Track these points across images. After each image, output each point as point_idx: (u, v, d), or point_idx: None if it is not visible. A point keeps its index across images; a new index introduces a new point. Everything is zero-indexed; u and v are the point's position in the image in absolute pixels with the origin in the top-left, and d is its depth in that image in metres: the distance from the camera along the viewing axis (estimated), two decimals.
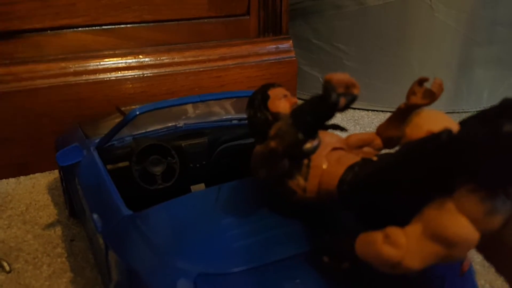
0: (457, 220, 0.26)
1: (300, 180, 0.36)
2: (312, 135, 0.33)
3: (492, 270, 0.56)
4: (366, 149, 0.43)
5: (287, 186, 0.37)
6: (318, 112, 0.30)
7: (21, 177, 0.81)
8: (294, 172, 0.36)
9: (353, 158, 0.36)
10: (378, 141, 0.43)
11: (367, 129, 0.99)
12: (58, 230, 0.65)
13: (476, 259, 0.58)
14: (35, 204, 0.72)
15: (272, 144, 0.33)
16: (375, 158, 0.35)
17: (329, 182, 0.35)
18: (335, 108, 0.30)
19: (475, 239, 0.26)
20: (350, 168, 0.34)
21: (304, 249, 0.36)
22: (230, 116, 0.67)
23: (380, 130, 0.43)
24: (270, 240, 0.37)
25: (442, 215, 0.27)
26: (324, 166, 0.36)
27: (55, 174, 0.81)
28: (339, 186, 0.34)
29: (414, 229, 0.28)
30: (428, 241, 0.27)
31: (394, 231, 0.28)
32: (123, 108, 0.68)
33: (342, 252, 0.33)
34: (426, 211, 0.28)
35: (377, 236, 0.29)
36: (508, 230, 0.27)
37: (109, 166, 0.56)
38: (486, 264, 0.57)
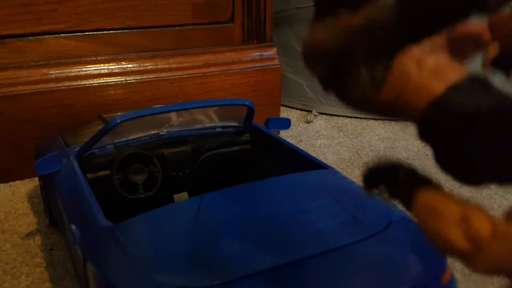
0: None
1: (368, 90, 0.23)
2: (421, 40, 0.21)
3: (473, 278, 0.57)
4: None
5: (348, 93, 0.24)
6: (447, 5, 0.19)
7: (1, 184, 0.80)
8: (363, 75, 0.23)
9: (458, 70, 0.23)
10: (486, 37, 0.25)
11: (351, 136, 1.00)
12: (38, 239, 0.64)
13: (457, 267, 0.58)
14: (15, 212, 0.71)
15: (351, 39, 0.21)
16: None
17: (414, 98, 0.23)
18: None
19: None
20: (456, 88, 0.22)
21: (285, 260, 0.36)
22: (213, 124, 0.66)
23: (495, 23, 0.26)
24: (250, 252, 0.37)
25: None
26: (413, 75, 0.23)
27: (35, 181, 0.80)
28: (432, 109, 0.23)
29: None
30: None
31: (478, 216, 0.20)
32: (105, 115, 0.67)
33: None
34: None
35: (451, 212, 0.21)
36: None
37: (89, 175, 0.55)
38: (467, 271, 0.58)
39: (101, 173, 0.57)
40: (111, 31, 0.84)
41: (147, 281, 0.35)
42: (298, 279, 0.35)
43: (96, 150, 0.58)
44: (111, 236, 0.40)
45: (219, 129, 0.66)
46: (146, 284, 0.35)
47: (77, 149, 0.57)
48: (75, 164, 0.54)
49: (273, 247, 0.37)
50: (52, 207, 0.61)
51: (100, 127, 0.57)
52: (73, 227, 0.43)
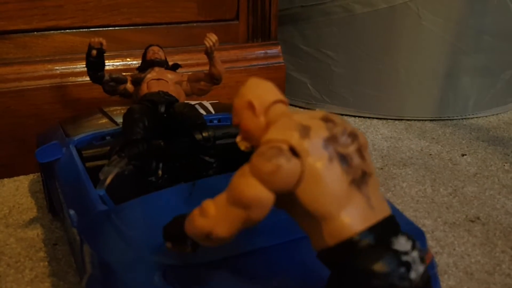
0: (248, 182, 0.29)
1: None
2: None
3: (475, 277, 0.57)
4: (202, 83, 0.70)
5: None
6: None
7: (5, 179, 0.80)
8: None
9: (162, 87, 0.64)
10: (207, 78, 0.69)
11: None
12: (41, 233, 0.65)
13: (459, 266, 0.58)
14: (19, 207, 0.71)
15: None
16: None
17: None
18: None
19: (268, 199, 0.29)
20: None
21: (273, 241, 0.38)
22: (210, 116, 0.67)
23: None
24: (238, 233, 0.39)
25: (240, 179, 0.29)
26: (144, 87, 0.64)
27: (39, 177, 0.80)
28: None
29: (222, 198, 0.30)
30: (231, 207, 0.29)
31: (207, 203, 0.31)
32: (106, 109, 0.68)
33: (179, 235, 0.34)
34: (232, 178, 0.30)
35: (195, 211, 0.31)
36: (301, 188, 0.29)
37: (88, 164, 0.57)
38: (469, 270, 0.58)
39: (99, 163, 0.58)
40: (116, 28, 0.85)
41: (139, 260, 0.37)
42: (274, 262, 0.37)
43: (94, 141, 0.60)
44: (107, 219, 0.42)
45: (215, 122, 0.67)
46: (137, 262, 0.37)
47: (76, 139, 0.59)
48: (74, 152, 0.55)
49: (263, 228, 0.39)
50: (51, 195, 0.63)
51: (99, 119, 0.61)
52: (71, 211, 0.45)
